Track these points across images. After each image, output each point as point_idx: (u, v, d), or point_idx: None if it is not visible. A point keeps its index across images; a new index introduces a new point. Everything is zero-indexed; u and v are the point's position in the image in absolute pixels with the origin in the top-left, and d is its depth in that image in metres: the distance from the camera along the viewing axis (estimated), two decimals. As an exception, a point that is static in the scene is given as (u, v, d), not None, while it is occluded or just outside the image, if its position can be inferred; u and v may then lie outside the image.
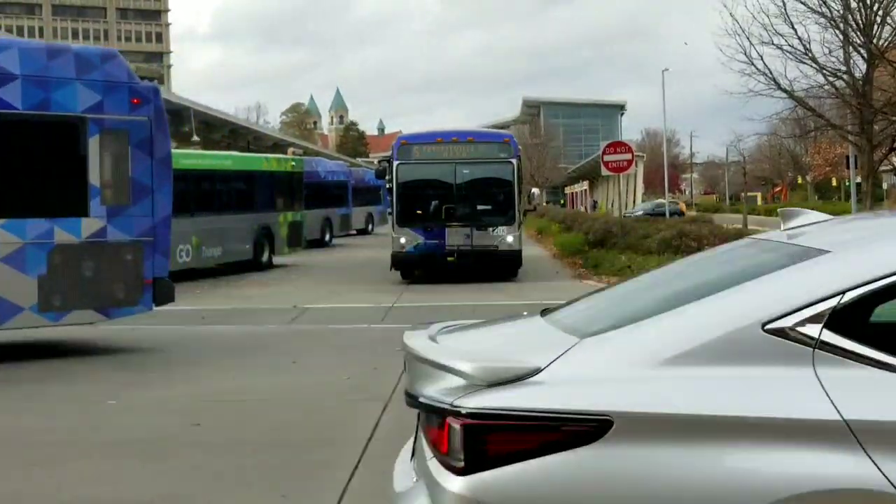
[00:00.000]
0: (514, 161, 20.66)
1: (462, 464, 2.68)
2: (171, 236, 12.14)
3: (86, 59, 11.29)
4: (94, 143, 11.25)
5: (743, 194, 73.36)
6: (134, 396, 8.89)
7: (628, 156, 23.93)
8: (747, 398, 2.63)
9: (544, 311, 3.62)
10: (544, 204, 69.19)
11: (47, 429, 7.65)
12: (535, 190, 31.34)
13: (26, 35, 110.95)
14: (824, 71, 28.20)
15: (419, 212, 20.96)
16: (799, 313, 2.71)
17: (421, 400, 2.90)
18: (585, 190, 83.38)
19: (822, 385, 2.61)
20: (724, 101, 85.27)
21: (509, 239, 20.47)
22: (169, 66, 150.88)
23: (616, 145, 24.91)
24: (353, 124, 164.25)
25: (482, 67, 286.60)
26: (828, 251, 2.95)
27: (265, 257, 25.48)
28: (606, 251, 23.82)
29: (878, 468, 2.51)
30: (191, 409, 8.23)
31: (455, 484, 2.69)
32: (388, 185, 21.11)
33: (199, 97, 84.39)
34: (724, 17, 45.82)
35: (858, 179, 30.99)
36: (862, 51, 27.72)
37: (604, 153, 24.28)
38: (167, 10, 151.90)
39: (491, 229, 20.44)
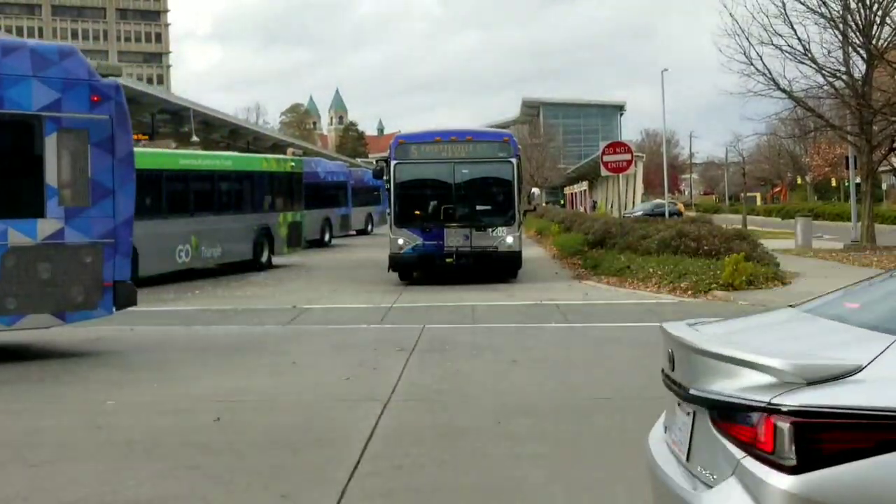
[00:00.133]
0: (514, 160, 20.47)
1: (793, 462, 2.71)
2: (132, 237, 11.76)
3: (43, 56, 10.95)
4: (51, 142, 10.91)
5: (742, 195, 73.33)
6: (133, 397, 8.89)
7: (628, 156, 23.87)
8: None
9: (795, 305, 3.66)
10: (544, 204, 69.14)
11: (47, 429, 7.65)
12: (535, 190, 31.25)
13: (26, 35, 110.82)
14: (824, 71, 28.24)
15: (417, 212, 20.76)
16: None
17: (711, 396, 2.91)
18: (585, 190, 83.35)
19: None
20: (723, 102, 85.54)
21: (509, 240, 20.27)
22: (168, 67, 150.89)
23: (615, 145, 24.84)
24: (353, 124, 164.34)
25: (482, 67, 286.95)
26: None
27: (265, 257, 25.49)
28: (606, 251, 23.80)
29: None
30: (191, 410, 8.23)
31: (786, 482, 2.71)
32: (386, 186, 20.98)
33: (198, 98, 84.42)
34: (723, 18, 46.08)
35: (858, 180, 30.99)
36: (861, 51, 27.75)
37: (603, 153, 24.23)
38: (167, 11, 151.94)
39: (490, 230, 20.25)
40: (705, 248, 21.05)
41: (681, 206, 67.22)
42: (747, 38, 28.89)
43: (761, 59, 28.36)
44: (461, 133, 21.12)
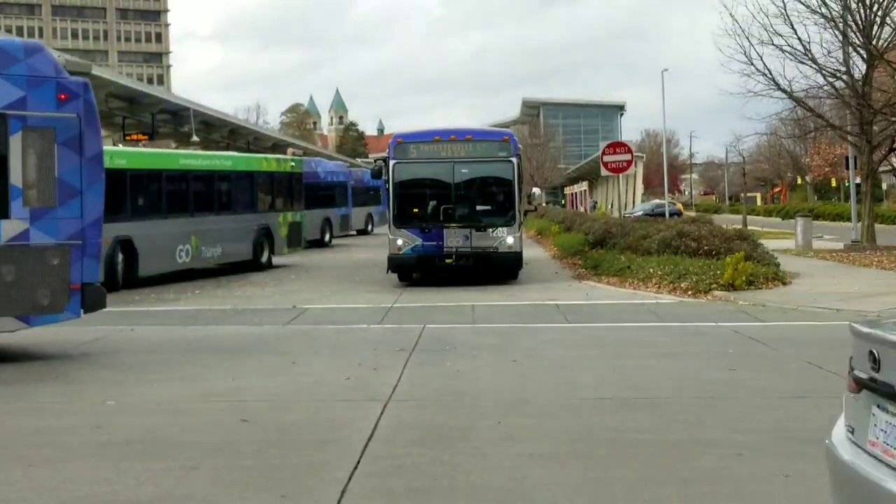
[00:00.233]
0: (515, 160, 20.30)
1: None
2: (102, 238, 11.43)
3: (7, 52, 10.66)
4: (15, 141, 10.64)
5: (742, 195, 73.42)
6: (133, 397, 8.89)
7: (628, 156, 23.87)
8: None
9: None
10: (544, 204, 69.15)
11: (47, 429, 7.65)
12: (535, 190, 31.21)
13: (26, 35, 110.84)
14: (824, 71, 28.26)
15: (417, 212, 20.60)
16: None
17: None
18: (585, 190, 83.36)
19: None
20: (723, 102, 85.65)
21: (509, 240, 20.09)
22: (168, 67, 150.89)
23: (615, 146, 24.85)
24: (353, 124, 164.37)
25: (482, 67, 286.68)
26: None
27: (265, 257, 25.51)
28: (606, 252, 23.80)
29: None
30: (190, 410, 8.24)
31: None
32: (385, 186, 20.83)
33: (199, 98, 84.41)
34: (724, 18, 46.11)
35: (858, 180, 31.00)
36: (861, 51, 27.76)
37: (603, 153, 24.23)
38: (167, 11, 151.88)
39: (490, 230, 20.08)
40: (705, 248, 21.05)
41: (680, 206, 67.23)
42: (747, 38, 28.98)
43: (761, 59, 28.44)
44: (461, 132, 20.89)
